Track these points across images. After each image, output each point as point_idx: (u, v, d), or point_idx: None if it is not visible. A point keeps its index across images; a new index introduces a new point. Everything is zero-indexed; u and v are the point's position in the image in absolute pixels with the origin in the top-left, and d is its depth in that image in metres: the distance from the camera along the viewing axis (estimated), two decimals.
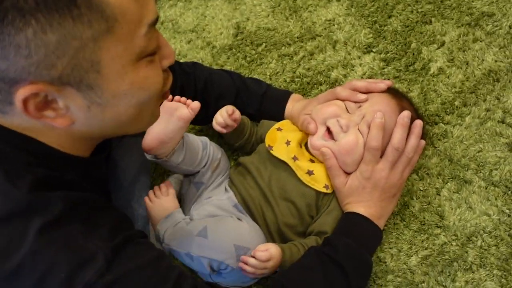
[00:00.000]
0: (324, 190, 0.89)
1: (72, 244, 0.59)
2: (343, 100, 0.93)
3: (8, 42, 0.51)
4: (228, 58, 1.29)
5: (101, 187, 0.79)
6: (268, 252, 0.79)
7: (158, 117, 0.74)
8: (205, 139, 0.98)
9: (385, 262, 0.92)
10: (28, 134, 0.63)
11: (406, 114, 0.86)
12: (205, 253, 0.81)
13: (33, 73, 0.54)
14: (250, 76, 1.24)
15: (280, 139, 0.94)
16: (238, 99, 1.04)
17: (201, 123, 1.13)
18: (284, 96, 1.07)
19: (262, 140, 1.00)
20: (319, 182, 0.89)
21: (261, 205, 0.90)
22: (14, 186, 0.59)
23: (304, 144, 0.95)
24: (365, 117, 0.88)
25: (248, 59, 1.27)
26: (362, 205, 0.87)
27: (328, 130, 0.90)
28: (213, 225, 0.84)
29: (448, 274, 0.87)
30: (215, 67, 1.29)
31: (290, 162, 0.90)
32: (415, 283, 0.89)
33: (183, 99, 0.87)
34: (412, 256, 0.91)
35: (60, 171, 0.65)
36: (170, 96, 0.84)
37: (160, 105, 0.73)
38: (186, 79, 1.03)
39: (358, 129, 0.88)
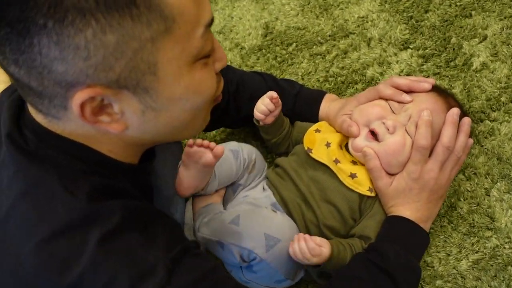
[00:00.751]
0: (369, 194, 0.85)
1: (132, 255, 0.57)
2: (386, 100, 0.89)
3: (67, 44, 0.50)
4: (258, 59, 1.27)
5: (149, 195, 0.77)
6: (320, 250, 0.76)
7: (207, 122, 0.72)
8: (235, 147, 0.93)
9: (433, 267, 0.88)
10: (80, 140, 0.61)
11: (456, 111, 0.82)
12: (235, 240, 0.79)
13: (91, 76, 0.52)
14: (281, 77, 1.21)
15: (320, 141, 0.91)
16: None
17: (233, 126, 1.10)
18: (318, 96, 1.04)
19: (297, 142, 0.96)
20: (362, 185, 0.85)
21: (300, 206, 0.87)
22: (72, 195, 0.57)
23: (344, 145, 0.91)
24: (412, 117, 0.84)
25: (278, 59, 1.24)
26: (409, 208, 0.83)
27: (372, 132, 0.86)
28: (246, 214, 0.82)
29: (502, 279, 0.83)
30: (244, 68, 1.27)
31: (331, 165, 0.87)
32: None
33: (206, 142, 0.83)
34: (462, 260, 0.86)
35: (113, 179, 0.63)
36: (198, 141, 0.82)
37: (211, 109, 0.71)
38: None
39: (406, 130, 0.84)
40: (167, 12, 0.53)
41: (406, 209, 0.83)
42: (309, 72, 1.18)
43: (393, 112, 0.87)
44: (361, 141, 0.86)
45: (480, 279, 0.84)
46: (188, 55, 0.57)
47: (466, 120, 0.84)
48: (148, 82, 0.56)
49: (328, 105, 1.00)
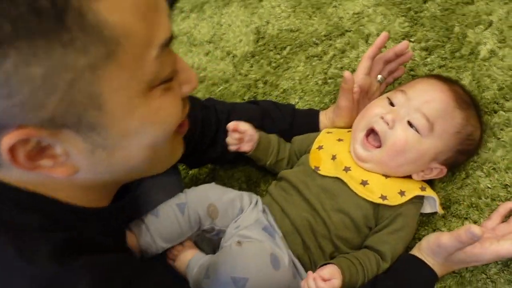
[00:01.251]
0: (380, 201, 0.79)
1: None
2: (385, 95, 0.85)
3: None
4: (252, 66, 1.21)
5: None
6: (331, 284, 0.69)
7: (179, 156, 0.63)
8: (182, 200, 0.84)
9: (460, 273, 0.81)
10: (32, 189, 0.52)
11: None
12: None
13: (19, 116, 0.44)
14: (278, 83, 1.15)
15: (325, 157, 0.86)
16: (266, 119, 0.95)
17: (223, 161, 1.03)
18: (313, 111, 1.00)
19: (301, 154, 0.92)
20: (374, 192, 0.79)
21: (309, 222, 0.80)
22: (29, 262, 0.48)
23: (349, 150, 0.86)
24: (416, 107, 0.79)
25: (273, 64, 1.18)
26: (446, 269, 0.78)
27: (372, 131, 0.82)
28: (213, 263, 0.75)
29: None
30: (238, 77, 1.21)
31: (341, 176, 0.81)
32: None
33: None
34: (490, 263, 0.80)
35: (78, 229, 0.54)
36: None
37: (179, 140, 0.63)
38: (206, 113, 0.94)
39: (408, 122, 0.79)
40: (108, 34, 0.44)
41: (444, 268, 0.78)
42: (307, 76, 1.12)
43: (393, 106, 0.82)
44: (361, 150, 0.82)
45: None
46: (139, 82, 0.48)
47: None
48: (92, 117, 0.47)
49: (326, 114, 0.97)
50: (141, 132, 0.51)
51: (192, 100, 0.95)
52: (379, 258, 0.78)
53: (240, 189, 0.97)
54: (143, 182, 0.90)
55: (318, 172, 0.83)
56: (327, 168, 0.84)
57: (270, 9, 1.27)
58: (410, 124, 0.79)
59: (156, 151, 0.55)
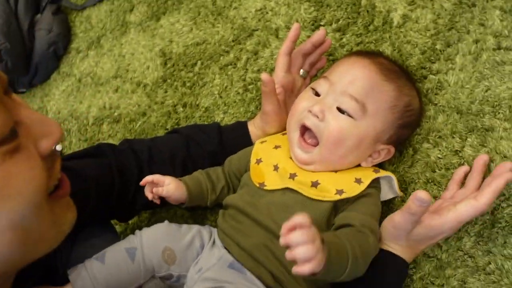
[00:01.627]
0: (338, 197, 0.71)
1: None
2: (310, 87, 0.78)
3: None
4: (166, 92, 1.11)
5: None
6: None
7: (70, 223, 0.52)
8: (132, 244, 0.75)
9: (436, 256, 0.75)
10: None
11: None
12: None
13: None
14: (197, 102, 1.06)
15: (267, 170, 0.77)
16: (191, 146, 0.87)
17: (155, 204, 0.92)
18: (241, 123, 0.91)
19: (241, 174, 0.83)
20: (329, 190, 0.72)
21: (270, 249, 0.71)
22: None
23: (290, 157, 0.78)
24: (342, 91, 0.73)
25: (188, 84, 1.09)
26: (415, 250, 0.72)
27: (304, 128, 0.75)
28: None
29: None
30: (154, 107, 1.11)
31: (290, 185, 0.73)
32: (480, 267, 0.72)
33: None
34: (463, 238, 0.74)
35: None
36: None
37: (60, 203, 0.51)
38: (123, 158, 0.84)
39: (338, 108, 0.72)
40: None
41: (412, 251, 0.72)
42: (225, 87, 1.04)
43: (318, 95, 0.76)
44: (301, 153, 0.75)
45: (491, 252, 0.72)
46: None
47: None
48: None
49: (254, 124, 0.89)
50: None
51: (102, 149, 0.85)
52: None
53: None
54: (72, 250, 0.78)
55: (264, 188, 0.75)
56: (272, 181, 0.76)
57: (170, 26, 1.17)
58: (340, 110, 0.73)
59: (27, 230, 0.45)
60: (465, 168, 0.76)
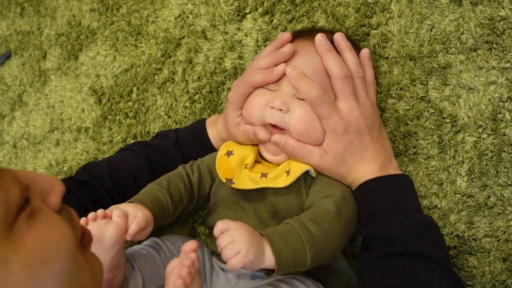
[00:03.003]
0: (304, 169, 0.69)
1: None
2: (261, 86, 0.73)
3: None
4: (111, 129, 1.04)
5: None
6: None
7: (101, 268, 0.50)
8: (154, 240, 0.74)
9: (436, 206, 0.74)
10: None
11: (320, 37, 0.70)
12: None
13: None
14: (148, 130, 1.00)
15: (237, 165, 0.72)
16: (154, 161, 0.82)
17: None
18: (198, 125, 0.86)
19: (211, 171, 0.77)
20: (298, 167, 0.70)
21: None
22: None
23: (261, 157, 0.75)
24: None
25: (130, 114, 1.02)
26: (365, 163, 0.69)
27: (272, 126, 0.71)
28: None
29: (505, 169, 0.71)
30: (104, 148, 1.04)
31: (263, 184, 0.70)
32: (481, 204, 0.71)
33: (96, 214, 0.63)
34: (456, 180, 0.73)
35: None
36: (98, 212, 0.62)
37: (88, 251, 0.49)
38: (88, 190, 0.79)
39: (298, 98, 0.70)
40: None
41: (364, 167, 0.69)
42: (171, 105, 0.98)
43: (274, 90, 0.72)
44: (271, 157, 0.73)
45: (487, 185, 0.71)
46: None
47: (336, 36, 0.72)
48: None
49: (213, 128, 0.84)
50: (38, 281, 0.39)
51: (67, 187, 0.78)
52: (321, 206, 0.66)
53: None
54: None
55: (233, 186, 0.71)
56: (241, 180, 0.71)
57: (91, 61, 1.10)
58: (300, 98, 0.70)
59: (73, 285, 0.42)
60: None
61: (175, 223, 0.90)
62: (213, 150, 0.81)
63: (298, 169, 0.69)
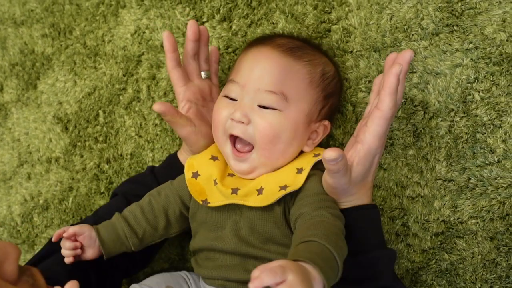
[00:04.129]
0: (283, 193, 0.66)
1: None
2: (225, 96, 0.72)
3: None
4: (82, 156, 1.01)
5: None
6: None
7: None
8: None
9: (419, 195, 0.74)
10: None
11: (398, 69, 0.61)
12: None
13: None
14: (119, 151, 0.97)
15: (207, 185, 0.71)
16: (131, 195, 0.80)
17: (132, 271, 0.86)
18: (171, 159, 0.85)
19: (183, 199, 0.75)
20: (273, 191, 0.67)
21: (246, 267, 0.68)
22: None
23: (228, 173, 0.74)
24: (255, 88, 0.68)
25: (100, 139, 0.99)
26: (367, 189, 0.68)
27: (233, 139, 0.71)
28: None
29: (481, 150, 0.71)
30: (77, 176, 1.01)
31: (235, 200, 0.68)
32: (462, 187, 0.72)
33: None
34: (435, 166, 0.74)
35: None
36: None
37: None
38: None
39: (259, 105, 0.68)
40: None
41: (365, 192, 0.67)
42: (141, 125, 0.96)
43: (234, 100, 0.71)
44: (239, 164, 0.71)
45: (466, 168, 0.72)
46: None
47: (404, 68, 0.64)
48: None
49: (183, 152, 0.83)
50: None
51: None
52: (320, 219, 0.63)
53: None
54: None
55: (209, 205, 0.70)
56: (215, 197, 0.70)
57: (51, 88, 1.06)
58: (262, 106, 0.68)
59: None
60: (380, 76, 0.72)
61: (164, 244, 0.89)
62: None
63: (274, 191, 0.67)
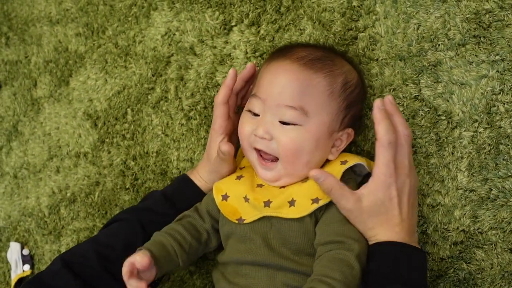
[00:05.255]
0: (316, 206, 0.68)
1: None
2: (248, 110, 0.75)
3: None
4: (110, 152, 1.04)
5: None
6: None
7: None
8: None
9: (440, 203, 0.75)
10: None
11: (378, 103, 0.66)
12: None
13: None
14: (146, 149, 1.00)
15: (238, 203, 0.73)
16: (146, 221, 0.81)
17: None
18: (179, 178, 0.88)
19: (216, 211, 0.77)
20: (306, 204, 0.68)
21: (285, 282, 0.68)
22: None
23: (257, 184, 0.75)
24: (275, 104, 0.70)
25: (128, 136, 1.02)
26: (393, 224, 0.66)
27: (260, 153, 0.73)
28: None
29: (504, 161, 0.72)
30: (104, 172, 1.04)
31: (267, 212, 0.70)
32: (484, 197, 0.73)
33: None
34: (457, 176, 0.74)
35: None
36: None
37: None
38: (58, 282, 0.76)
39: (280, 121, 0.70)
40: None
41: (392, 228, 0.66)
42: (167, 124, 0.98)
43: (257, 115, 0.73)
44: (266, 172, 0.73)
45: (488, 179, 0.72)
46: None
47: (386, 99, 0.68)
48: None
49: (196, 176, 0.85)
50: None
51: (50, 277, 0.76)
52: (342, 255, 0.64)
53: None
54: None
55: (244, 222, 0.72)
56: (249, 213, 0.72)
57: (83, 86, 1.09)
58: (283, 122, 0.70)
59: None
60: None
61: None
62: (203, 195, 0.82)
63: (306, 203, 0.68)
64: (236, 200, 0.73)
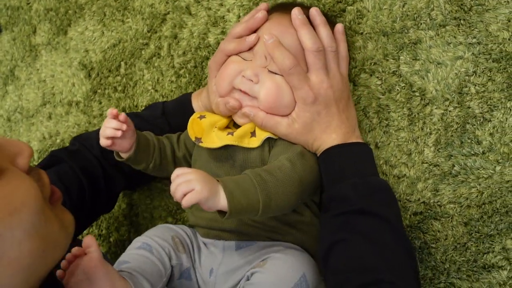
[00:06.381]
0: (268, 134, 0.76)
1: None
2: (236, 54, 0.78)
3: None
4: (101, 103, 1.08)
5: None
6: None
7: (71, 223, 0.56)
8: (144, 239, 0.75)
9: (405, 175, 0.79)
10: None
11: (296, 11, 0.74)
12: None
13: None
14: (135, 103, 1.03)
15: (208, 127, 0.77)
16: (143, 130, 0.84)
17: (121, 188, 0.93)
18: (183, 97, 0.92)
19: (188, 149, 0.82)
20: (263, 133, 0.76)
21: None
22: None
23: (232, 125, 0.80)
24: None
25: (119, 88, 1.06)
26: (329, 132, 0.74)
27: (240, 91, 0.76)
28: None
29: (469, 141, 0.75)
30: (94, 121, 1.08)
31: (229, 141, 0.74)
32: (446, 172, 0.76)
33: (76, 251, 0.61)
34: (424, 150, 0.78)
35: None
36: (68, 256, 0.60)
37: (58, 207, 0.56)
38: (78, 158, 0.85)
39: (269, 71, 0.74)
40: None
41: (329, 135, 0.74)
42: (158, 80, 1.01)
43: (247, 60, 0.76)
44: (241, 120, 0.77)
45: (452, 155, 0.76)
46: None
47: (312, 10, 0.77)
48: None
49: (198, 100, 0.89)
50: (7, 229, 0.45)
51: (58, 157, 0.85)
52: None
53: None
54: None
55: (201, 144, 0.76)
56: (210, 139, 0.76)
57: (80, 36, 1.12)
58: (272, 72, 0.74)
59: (41, 236, 0.49)
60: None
61: (158, 209, 0.95)
62: None
63: (262, 132, 0.75)
64: (208, 124, 0.77)
